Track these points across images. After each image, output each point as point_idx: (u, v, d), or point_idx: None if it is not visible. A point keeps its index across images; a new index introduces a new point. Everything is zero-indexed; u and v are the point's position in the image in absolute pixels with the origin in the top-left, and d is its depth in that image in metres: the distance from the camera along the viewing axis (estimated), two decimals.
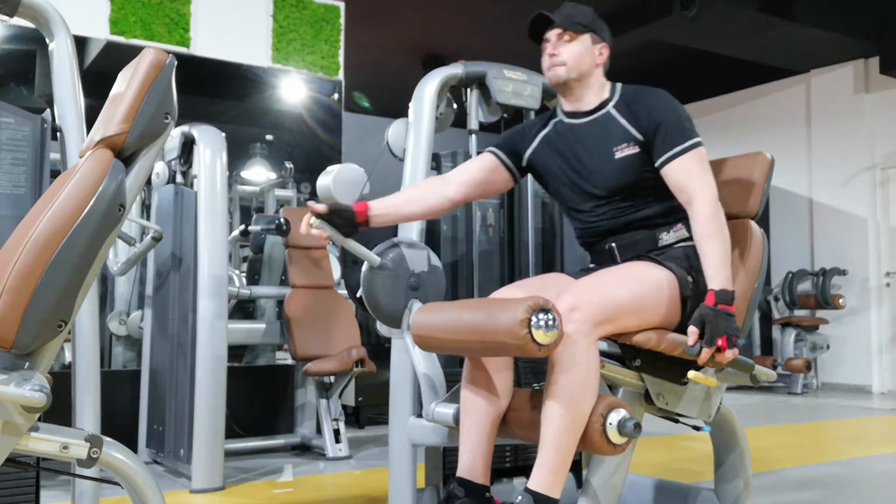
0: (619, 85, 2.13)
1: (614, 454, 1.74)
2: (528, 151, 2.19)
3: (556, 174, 2.14)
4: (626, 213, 2.04)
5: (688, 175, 1.95)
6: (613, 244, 2.05)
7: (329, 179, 3.63)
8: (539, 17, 2.09)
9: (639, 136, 2.00)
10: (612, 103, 2.08)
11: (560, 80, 2.08)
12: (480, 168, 2.20)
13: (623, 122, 2.03)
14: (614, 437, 1.70)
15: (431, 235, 2.68)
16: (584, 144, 2.08)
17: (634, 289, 1.86)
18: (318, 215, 1.97)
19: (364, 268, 2.06)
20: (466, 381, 1.94)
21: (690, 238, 1.98)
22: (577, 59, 2.07)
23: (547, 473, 1.71)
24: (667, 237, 2.03)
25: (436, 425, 2.10)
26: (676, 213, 2.02)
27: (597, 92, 2.11)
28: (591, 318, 1.74)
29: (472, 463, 1.90)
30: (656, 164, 1.98)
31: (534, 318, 1.59)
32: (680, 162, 1.96)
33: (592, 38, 2.11)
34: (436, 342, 1.87)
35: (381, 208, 2.11)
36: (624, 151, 2.01)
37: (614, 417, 1.70)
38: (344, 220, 2.02)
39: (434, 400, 2.04)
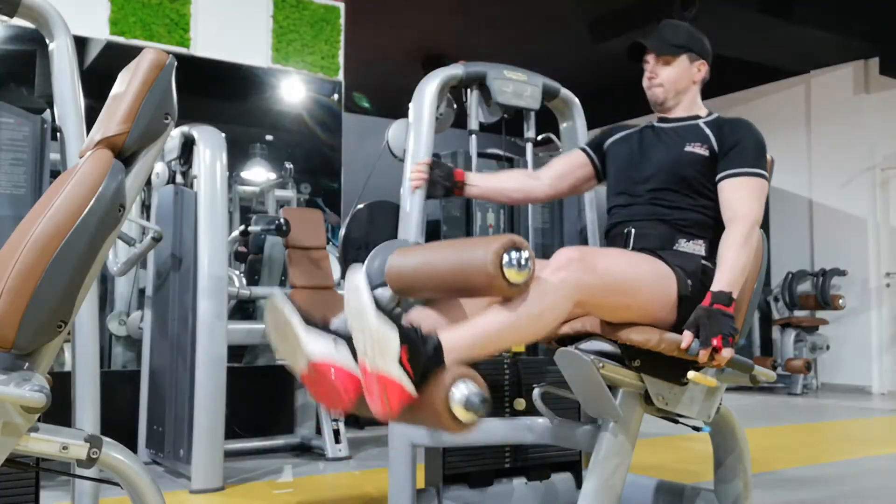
0: (716, 113, 2.22)
1: (457, 432, 1.53)
2: (610, 141, 2.31)
3: (622, 155, 2.24)
4: (662, 206, 2.07)
5: (740, 195, 2.01)
6: (632, 229, 2.08)
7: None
8: (636, 44, 2.20)
9: (714, 146, 2.08)
10: (703, 119, 2.18)
11: (658, 99, 2.21)
12: (568, 162, 2.35)
13: (707, 131, 2.12)
14: (458, 411, 1.49)
15: (432, 236, 2.68)
16: (661, 138, 2.19)
17: (631, 269, 1.87)
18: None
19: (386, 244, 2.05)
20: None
21: (706, 257, 2.01)
22: (674, 80, 2.19)
23: (458, 342, 1.60)
24: (685, 245, 2.04)
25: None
26: (705, 231, 2.06)
27: (689, 106, 2.21)
28: (580, 277, 1.72)
29: (423, 317, 1.81)
30: (717, 178, 2.05)
31: (506, 256, 1.55)
32: (738, 181, 2.02)
33: (690, 56, 2.20)
34: (409, 282, 1.82)
35: (475, 178, 2.30)
36: (694, 149, 2.09)
37: (460, 391, 1.50)
38: (444, 173, 2.23)
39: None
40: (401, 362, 1.50)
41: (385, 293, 1.81)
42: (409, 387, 1.51)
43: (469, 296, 1.81)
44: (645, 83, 2.23)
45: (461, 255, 1.66)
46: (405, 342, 1.52)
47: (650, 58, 2.20)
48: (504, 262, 1.55)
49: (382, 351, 1.51)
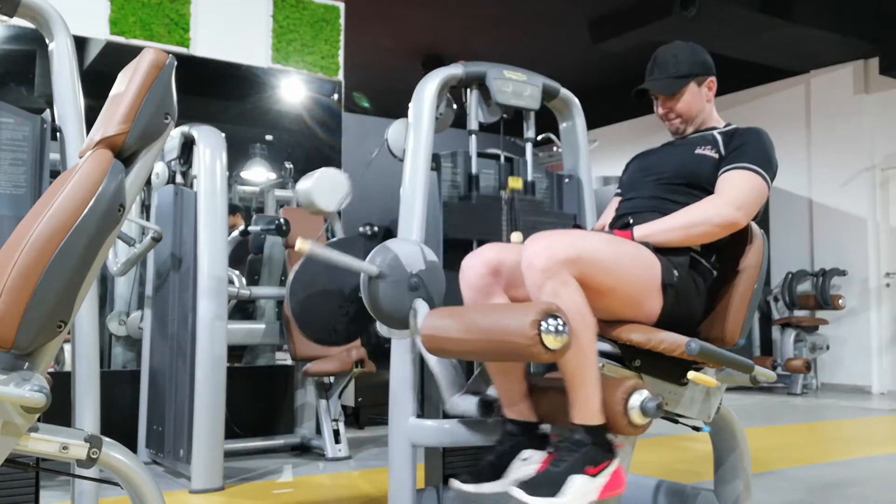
0: (734, 124, 2.24)
1: (636, 434, 1.76)
2: (630, 163, 2.36)
3: (637, 166, 2.29)
4: (664, 200, 2.09)
5: (732, 183, 2.02)
6: (630, 220, 2.09)
7: (309, 184, 3.54)
8: (641, 90, 2.23)
9: (722, 150, 2.11)
10: (718, 130, 2.20)
11: (679, 131, 2.24)
12: (613, 211, 2.33)
13: (719, 138, 2.15)
14: (637, 418, 1.72)
15: (432, 237, 2.67)
16: (677, 147, 2.23)
17: (613, 248, 1.87)
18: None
19: (362, 278, 2.07)
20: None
21: (700, 253, 2.01)
22: (688, 110, 2.21)
23: (582, 407, 1.73)
24: None
25: (437, 425, 2.10)
26: None
27: (705, 121, 2.24)
28: (558, 256, 1.73)
29: (511, 403, 1.94)
30: (719, 173, 2.06)
31: (544, 324, 1.59)
32: (735, 173, 2.03)
33: (696, 81, 2.20)
34: (445, 346, 1.87)
35: None
36: (704, 151, 2.12)
37: (636, 399, 1.72)
38: None
39: (453, 393, 2.04)
40: (594, 475, 1.69)
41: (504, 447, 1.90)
42: (614, 466, 1.73)
43: (504, 360, 1.89)
44: (660, 117, 2.26)
45: (497, 324, 1.69)
46: (579, 468, 1.68)
47: (659, 95, 2.23)
48: (542, 328, 1.59)
49: (584, 494, 1.66)
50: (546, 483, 1.67)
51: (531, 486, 1.67)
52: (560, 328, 1.59)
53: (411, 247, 2.11)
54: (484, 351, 1.78)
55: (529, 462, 1.81)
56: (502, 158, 2.63)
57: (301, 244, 1.91)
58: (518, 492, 1.66)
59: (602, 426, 1.73)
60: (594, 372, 1.74)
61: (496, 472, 1.82)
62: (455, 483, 1.84)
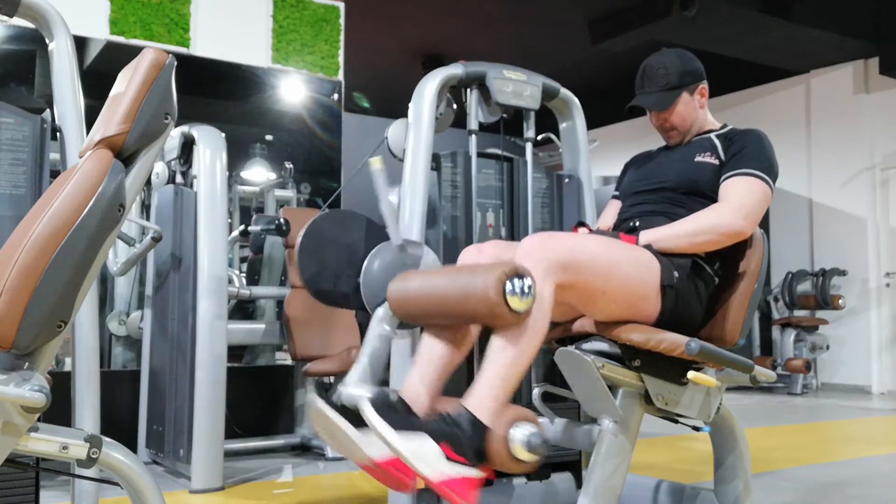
0: (730, 125, 2.24)
1: (517, 471, 1.60)
2: (629, 167, 2.37)
3: (636, 171, 2.29)
4: (669, 204, 2.09)
5: (736, 191, 2.01)
6: (637, 223, 2.09)
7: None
8: (634, 107, 2.23)
9: (722, 155, 2.11)
10: (715, 132, 2.20)
11: (676, 140, 2.24)
12: (612, 212, 2.33)
13: (717, 142, 2.15)
14: (521, 454, 1.57)
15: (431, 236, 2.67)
16: (675, 153, 2.23)
17: (609, 251, 1.84)
18: None
19: (383, 244, 2.07)
20: (426, 334, 1.89)
21: (703, 258, 2.00)
22: (683, 119, 2.21)
23: (483, 398, 1.61)
24: None
25: None
26: None
27: (701, 126, 2.24)
28: (551, 257, 1.69)
29: (415, 391, 1.79)
30: (721, 179, 2.06)
31: (508, 284, 1.55)
32: (738, 179, 2.03)
33: (688, 90, 2.20)
34: (410, 307, 1.83)
35: None
36: (704, 158, 2.12)
37: (520, 433, 1.57)
38: None
39: (359, 381, 1.83)
40: (450, 459, 1.53)
41: (384, 394, 1.68)
42: (472, 472, 1.54)
43: (471, 322, 1.82)
44: (656, 128, 2.26)
45: (463, 283, 1.65)
46: (441, 439, 1.54)
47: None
48: (507, 290, 1.55)
49: (427, 462, 1.51)
50: (398, 418, 1.56)
51: (383, 409, 1.56)
52: (526, 290, 1.56)
53: (434, 256, 2.15)
54: (446, 309, 1.70)
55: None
56: (502, 158, 2.63)
57: (375, 160, 1.90)
58: (367, 404, 1.56)
59: (485, 428, 1.59)
60: (519, 371, 1.65)
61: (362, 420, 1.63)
62: (315, 400, 1.67)
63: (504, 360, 1.64)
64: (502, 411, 1.61)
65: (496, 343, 1.66)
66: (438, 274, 1.80)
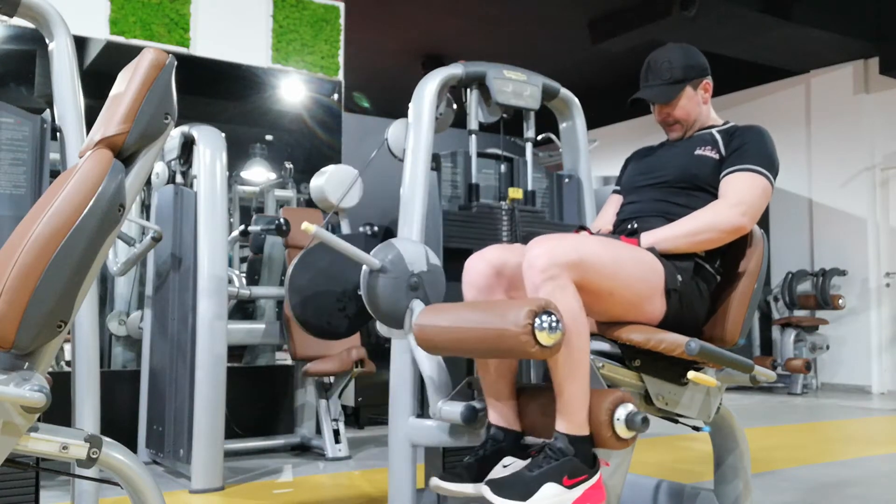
0: (732, 122, 2.24)
1: (621, 449, 1.73)
2: (629, 162, 2.36)
3: (637, 165, 2.29)
4: (668, 203, 2.09)
5: (736, 187, 2.01)
6: (636, 223, 2.09)
7: (322, 181, 3.66)
8: (637, 102, 2.23)
9: (722, 150, 2.11)
10: (717, 128, 2.20)
11: (679, 135, 2.24)
12: (613, 207, 2.33)
13: (718, 137, 2.15)
14: (622, 431, 1.69)
15: (431, 236, 2.67)
16: (676, 147, 2.23)
17: (615, 252, 1.85)
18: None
19: (363, 270, 2.06)
20: (477, 364, 2.00)
21: (703, 258, 2.00)
22: (686, 113, 2.21)
23: (568, 416, 1.71)
24: None
25: (436, 425, 2.09)
26: None
27: (704, 121, 2.24)
28: (560, 259, 1.71)
29: (498, 409, 1.92)
30: (720, 175, 2.06)
31: (538, 319, 1.58)
32: (738, 175, 2.03)
33: (692, 84, 2.20)
34: (439, 343, 1.86)
35: None
36: (704, 152, 2.12)
37: (622, 412, 1.69)
38: None
39: (441, 398, 2.03)
40: (569, 486, 1.65)
41: (493, 459, 1.85)
42: (593, 479, 1.69)
43: (498, 356, 1.87)
44: (659, 122, 2.26)
45: (490, 318, 1.67)
46: (559, 478, 1.65)
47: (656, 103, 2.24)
48: (536, 325, 1.57)
49: (556, 500, 1.63)
50: (517, 485, 1.65)
51: (500, 486, 1.66)
52: (553, 325, 1.58)
53: (416, 247, 2.11)
54: (475, 346, 1.75)
55: (509, 469, 1.78)
56: (502, 158, 2.63)
57: (307, 226, 1.91)
58: (486, 489, 1.65)
59: (586, 437, 1.70)
60: (584, 381, 1.71)
61: (475, 475, 1.80)
62: (434, 480, 1.83)
63: (566, 374, 1.70)
64: (598, 400, 1.70)
65: (553, 365, 1.72)
66: (465, 310, 1.81)
